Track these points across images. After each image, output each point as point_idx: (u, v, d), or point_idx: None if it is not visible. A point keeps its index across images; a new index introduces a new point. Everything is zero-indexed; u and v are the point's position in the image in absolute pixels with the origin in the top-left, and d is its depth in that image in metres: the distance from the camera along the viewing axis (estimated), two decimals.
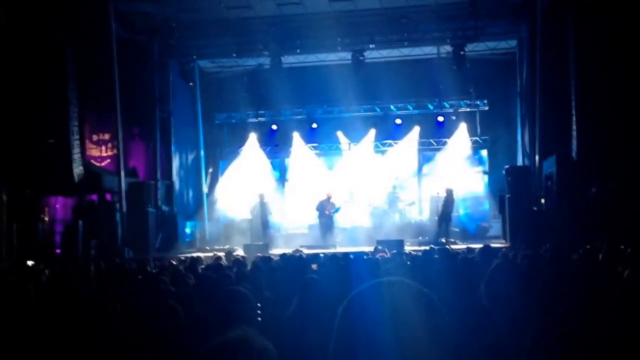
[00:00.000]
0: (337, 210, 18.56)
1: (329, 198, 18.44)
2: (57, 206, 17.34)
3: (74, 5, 15.78)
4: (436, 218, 17.97)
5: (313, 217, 18.90)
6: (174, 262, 11.11)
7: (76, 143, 15.46)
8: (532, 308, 3.37)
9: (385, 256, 10.08)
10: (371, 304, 1.54)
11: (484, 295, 3.79)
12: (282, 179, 21.81)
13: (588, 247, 9.61)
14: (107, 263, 10.87)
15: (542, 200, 16.48)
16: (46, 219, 17.12)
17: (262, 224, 18.32)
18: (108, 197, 17.14)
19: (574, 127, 14.75)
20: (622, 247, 9.22)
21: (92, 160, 18.45)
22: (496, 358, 2.97)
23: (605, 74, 13.96)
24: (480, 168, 20.90)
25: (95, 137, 18.92)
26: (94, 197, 17.13)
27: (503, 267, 4.10)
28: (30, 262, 12.11)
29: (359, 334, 1.50)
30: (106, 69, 16.63)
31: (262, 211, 18.44)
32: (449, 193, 17.61)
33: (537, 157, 17.03)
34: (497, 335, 3.17)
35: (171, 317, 3.99)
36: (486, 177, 20.66)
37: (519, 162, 19.13)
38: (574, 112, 14.77)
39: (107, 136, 18.67)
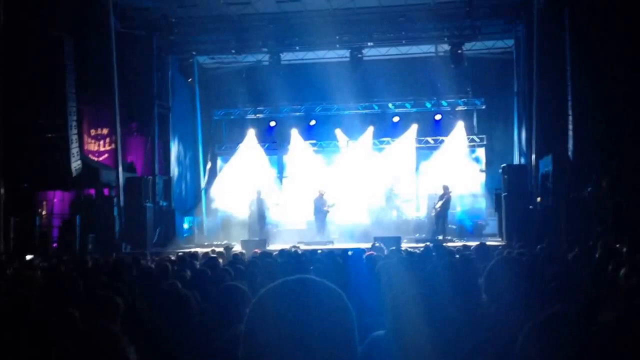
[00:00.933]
0: (332, 206, 18.65)
1: (321, 195, 18.54)
2: (55, 200, 17.40)
3: (74, 0, 15.82)
4: (432, 215, 18.06)
5: (310, 213, 18.97)
6: (171, 257, 11.17)
7: (74, 137, 15.48)
8: (530, 305, 3.44)
9: (373, 254, 10.11)
10: (277, 304, 1.50)
11: (482, 289, 3.82)
12: (280, 175, 21.87)
13: (583, 246, 9.71)
14: (104, 257, 10.95)
15: (538, 199, 16.58)
16: (44, 213, 17.17)
17: (260, 219, 18.39)
18: (106, 191, 17.19)
19: (570, 126, 14.83)
20: (617, 245, 9.32)
21: (90, 155, 18.50)
22: (495, 352, 3.01)
23: (602, 73, 14.03)
24: (477, 166, 20.98)
25: (93, 132, 18.96)
26: (92, 191, 17.18)
27: (502, 263, 4.14)
28: (28, 256, 12.16)
29: (264, 336, 1.47)
30: (105, 64, 16.66)
31: (260, 207, 18.50)
32: (446, 190, 17.70)
33: (533, 156, 17.12)
34: (495, 329, 3.18)
35: (168, 311, 4.05)
36: (483, 175, 20.75)
37: (516, 161, 19.22)
38: (570, 112, 14.84)
39: (105, 131, 18.71)
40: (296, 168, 21.61)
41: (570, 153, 14.85)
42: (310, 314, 1.47)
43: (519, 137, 19.21)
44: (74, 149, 15.44)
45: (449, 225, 18.25)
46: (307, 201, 19.22)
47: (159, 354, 3.49)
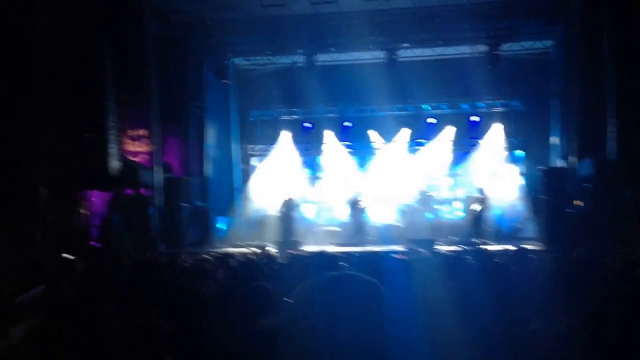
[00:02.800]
0: (364, 209, 18.65)
1: (356, 196, 18.49)
2: (93, 199, 17.69)
3: (112, 2, 16.09)
4: (469, 218, 17.88)
5: (345, 214, 18.96)
6: (206, 257, 11.26)
7: (113, 138, 15.75)
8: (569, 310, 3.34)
9: (407, 258, 10.02)
10: (319, 298, 1.56)
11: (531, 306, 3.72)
12: (313, 176, 21.90)
13: (622, 251, 9.49)
14: (141, 256, 11.10)
15: (578, 203, 16.26)
16: (82, 212, 17.48)
17: (292, 221, 18.43)
18: (143, 191, 17.44)
19: (611, 128, 14.53)
20: None
21: (127, 155, 18.78)
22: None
23: None
24: (514, 168, 20.71)
25: (130, 132, 19.24)
26: (130, 191, 17.44)
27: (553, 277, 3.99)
28: (66, 255, 12.40)
29: (306, 324, 1.53)
30: (142, 66, 16.92)
31: (291, 208, 18.54)
32: (482, 193, 17.50)
33: (573, 159, 16.80)
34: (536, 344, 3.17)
35: (197, 310, 4.09)
36: (519, 178, 20.46)
37: (553, 164, 18.89)
38: (611, 114, 14.54)
39: (142, 132, 18.95)
40: (330, 169, 21.63)
41: (611, 156, 14.55)
42: (348, 302, 1.54)
43: (560, 139, 18.85)
44: (113, 149, 15.70)
45: (486, 228, 18.03)
46: (342, 202, 19.21)
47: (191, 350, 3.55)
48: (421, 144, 21.30)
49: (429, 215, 19.56)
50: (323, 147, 21.70)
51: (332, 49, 19.84)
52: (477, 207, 17.40)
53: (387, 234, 18.68)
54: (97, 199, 17.84)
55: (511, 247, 11.41)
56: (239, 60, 21.55)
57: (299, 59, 20.09)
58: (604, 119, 14.79)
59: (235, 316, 4.17)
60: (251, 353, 3.36)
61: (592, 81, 15.71)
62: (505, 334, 3.41)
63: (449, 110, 21.43)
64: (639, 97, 13.91)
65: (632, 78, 13.96)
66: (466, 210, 18.34)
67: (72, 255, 12.16)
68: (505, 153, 20.68)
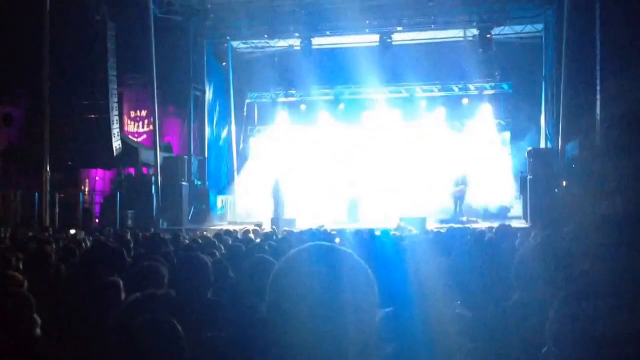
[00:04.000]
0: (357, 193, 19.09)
1: (350, 178, 18.93)
2: (97, 178, 18.24)
3: None
4: (454, 198, 18.38)
5: (337, 195, 19.38)
6: (206, 234, 11.81)
7: (115, 119, 16.23)
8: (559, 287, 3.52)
9: (399, 234, 10.46)
10: (304, 266, 1.53)
11: (513, 279, 3.59)
12: (308, 155, 22.24)
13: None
14: (143, 232, 11.64)
15: (564, 183, 16.80)
16: (86, 190, 18.03)
17: (284, 200, 18.81)
18: (144, 170, 17.94)
19: (598, 111, 14.97)
20: None
21: (129, 135, 19.26)
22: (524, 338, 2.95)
23: (631, 58, 14.10)
24: (503, 149, 21.15)
25: (132, 114, 19.73)
26: (132, 170, 17.95)
27: (533, 251, 3.87)
28: (72, 231, 12.97)
29: (289, 298, 1.49)
30: (144, 48, 17.30)
31: (284, 188, 18.86)
32: (463, 173, 18.07)
33: (560, 140, 17.29)
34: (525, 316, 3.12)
35: (200, 279, 4.34)
36: (509, 158, 20.92)
37: (542, 145, 19.37)
38: (598, 96, 14.98)
39: (144, 113, 19.45)
40: (325, 149, 21.99)
41: (597, 137, 15.00)
42: (336, 281, 1.48)
43: (546, 121, 19.34)
44: (115, 130, 16.20)
45: (474, 207, 18.57)
46: (334, 183, 19.61)
47: (198, 323, 3.61)
48: (414, 126, 21.65)
49: (419, 194, 19.89)
50: (318, 127, 22.07)
51: (328, 32, 20.19)
52: (460, 187, 17.95)
53: (379, 213, 19.13)
54: (100, 177, 18.40)
55: (497, 224, 11.95)
56: (237, 44, 21.90)
57: (296, 42, 20.46)
58: (591, 102, 15.21)
59: (239, 287, 4.43)
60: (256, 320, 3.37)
61: (581, 64, 16.09)
62: (493, 305, 3.44)
63: (441, 93, 21.82)
64: (626, 80, 14.28)
65: (620, 62, 14.32)
66: (452, 190, 18.69)
67: (77, 231, 12.76)
68: (495, 134, 21.10)
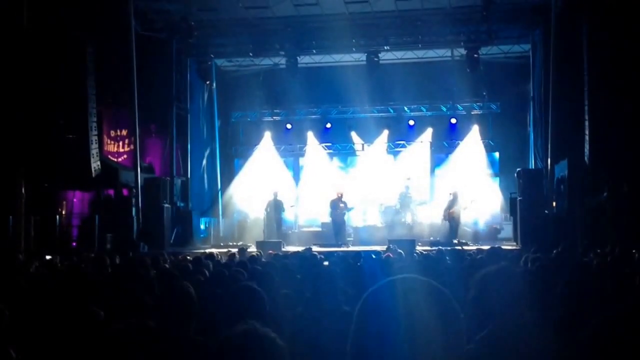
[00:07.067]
0: (350, 209, 18.69)
1: (340, 197, 18.56)
2: (74, 200, 17.68)
3: (95, 3, 16.08)
4: (444, 220, 18.11)
5: (326, 215, 19.08)
6: (188, 258, 11.32)
7: (94, 138, 15.74)
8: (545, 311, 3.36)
9: (391, 256, 10.21)
10: (386, 302, 1.55)
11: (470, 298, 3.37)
12: (296, 177, 22.00)
13: (599, 251, 9.72)
14: (122, 257, 11.14)
15: (554, 204, 16.57)
16: (63, 212, 17.45)
17: (276, 221, 18.52)
18: (125, 192, 17.44)
19: (587, 131, 14.82)
20: (634, 251, 9.31)
21: (109, 156, 18.77)
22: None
23: (619, 78, 14.01)
24: (492, 170, 21.00)
25: (113, 133, 19.24)
26: (111, 191, 17.43)
27: (502, 272, 3.62)
28: (47, 256, 12.40)
29: (375, 333, 1.50)
30: (125, 66, 16.92)
31: (276, 209, 18.63)
32: (455, 195, 17.80)
33: (549, 161, 17.11)
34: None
35: (183, 310, 4.09)
36: (498, 179, 20.76)
37: (531, 165, 19.20)
38: (586, 117, 14.83)
39: (124, 132, 18.97)
40: (312, 170, 21.73)
41: (586, 158, 14.84)
42: (421, 311, 1.51)
43: (535, 141, 19.19)
44: (94, 150, 15.70)
45: (465, 228, 18.29)
46: (323, 203, 19.32)
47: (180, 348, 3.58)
48: (402, 146, 21.48)
49: (409, 216, 19.70)
50: (305, 148, 21.80)
51: (315, 50, 19.99)
52: (452, 209, 17.68)
53: (367, 235, 18.83)
54: (78, 199, 17.84)
55: (488, 247, 11.64)
56: (221, 62, 21.61)
57: (282, 60, 20.21)
58: (580, 122, 15.07)
59: (221, 317, 4.20)
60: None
61: (569, 84, 16.00)
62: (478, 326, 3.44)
63: (429, 113, 21.69)
64: (614, 100, 14.19)
65: (608, 81, 14.23)
66: (444, 212, 18.46)
67: (54, 255, 12.20)
68: (483, 155, 20.94)
